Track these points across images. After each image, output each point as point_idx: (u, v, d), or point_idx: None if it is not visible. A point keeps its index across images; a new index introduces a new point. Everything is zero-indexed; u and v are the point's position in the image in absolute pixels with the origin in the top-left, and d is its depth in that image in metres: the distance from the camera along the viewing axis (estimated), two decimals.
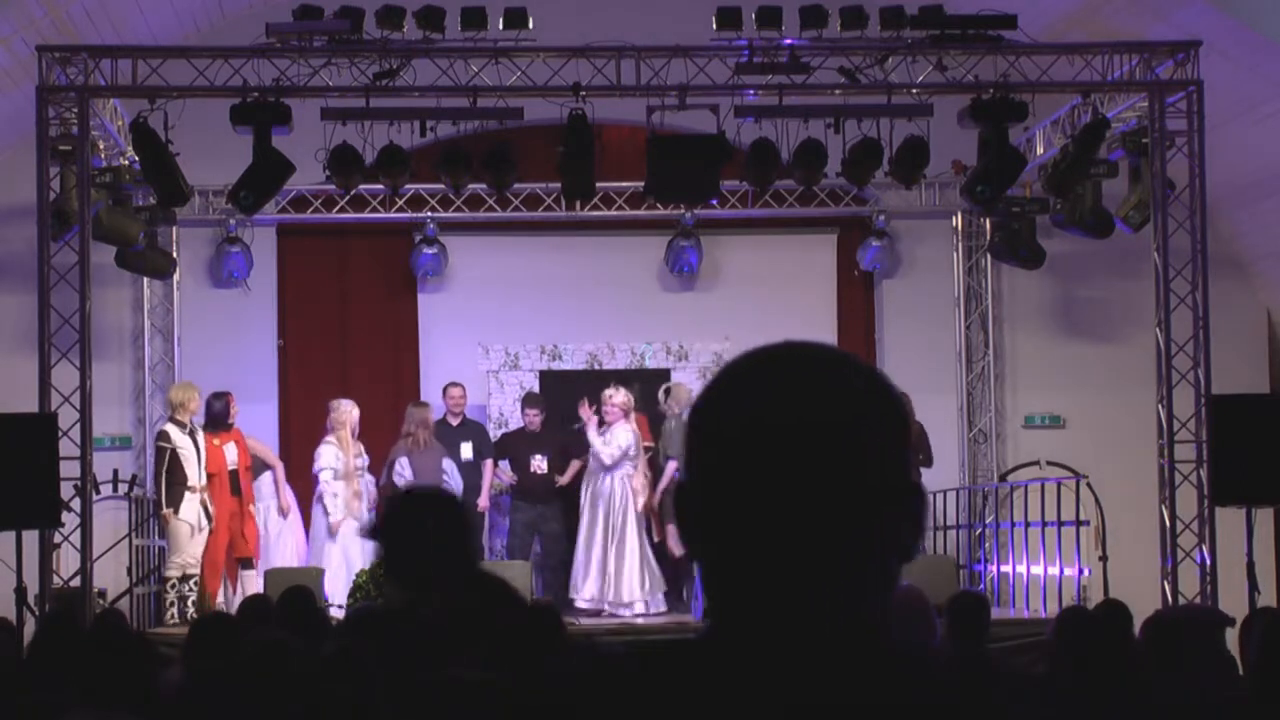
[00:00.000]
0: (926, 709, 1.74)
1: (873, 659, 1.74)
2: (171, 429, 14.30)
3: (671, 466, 14.78)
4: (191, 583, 14.07)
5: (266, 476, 15.26)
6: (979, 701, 1.78)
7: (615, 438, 14.54)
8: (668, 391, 15.49)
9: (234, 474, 14.54)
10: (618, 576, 14.47)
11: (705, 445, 1.79)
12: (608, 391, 14.79)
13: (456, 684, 4.44)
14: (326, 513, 14.60)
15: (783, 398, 1.75)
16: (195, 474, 14.15)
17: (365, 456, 14.91)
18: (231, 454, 14.57)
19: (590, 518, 14.60)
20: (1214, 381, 13.52)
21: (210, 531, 14.21)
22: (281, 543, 15.17)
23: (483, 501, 15.22)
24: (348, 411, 14.87)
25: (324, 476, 14.69)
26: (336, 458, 14.69)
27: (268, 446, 15.60)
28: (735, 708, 1.72)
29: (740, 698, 1.72)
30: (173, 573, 14.12)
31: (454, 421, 15.46)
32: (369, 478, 14.95)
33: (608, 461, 14.55)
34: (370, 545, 14.57)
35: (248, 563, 14.56)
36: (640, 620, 14.34)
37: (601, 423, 14.69)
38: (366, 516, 14.73)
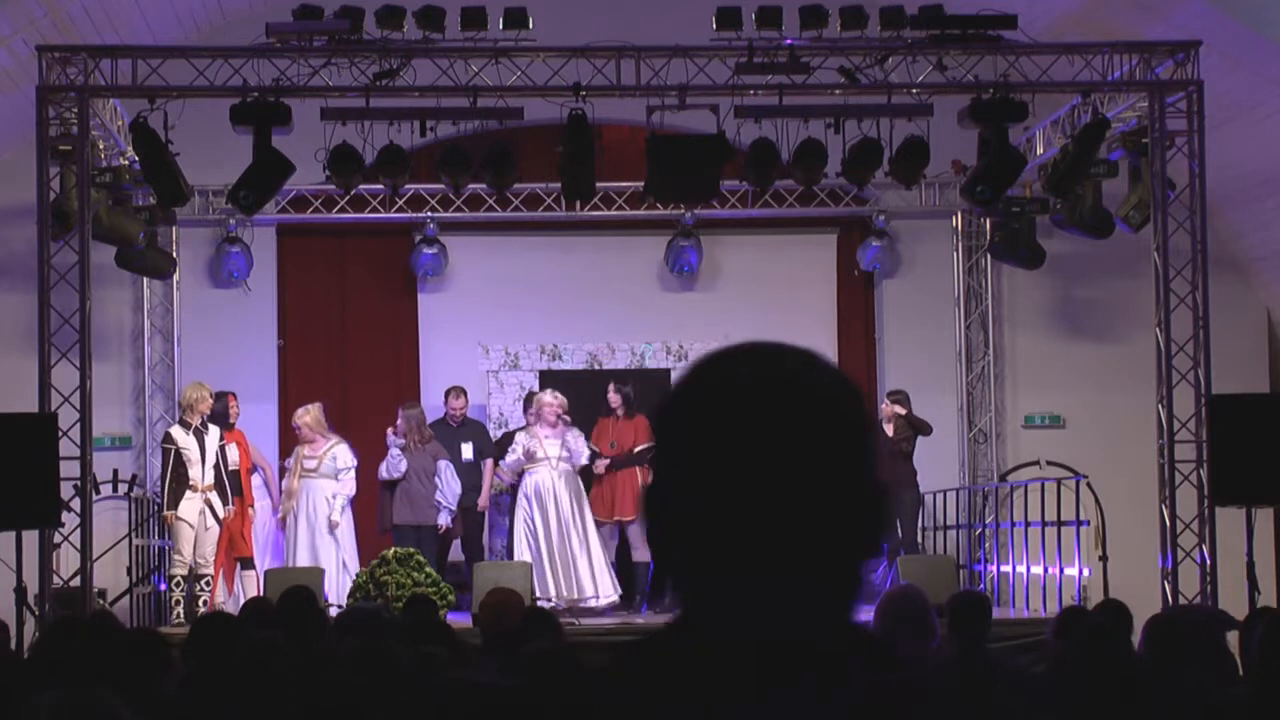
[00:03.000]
0: (897, 707, 1.74)
1: (842, 657, 1.75)
2: (176, 430, 14.32)
3: None
4: (204, 582, 14.08)
5: (255, 478, 15.29)
6: (946, 699, 1.78)
7: (573, 440, 14.73)
8: None
9: (234, 474, 14.55)
10: (578, 572, 14.53)
11: (672, 445, 1.80)
12: (544, 396, 14.96)
13: (458, 687, 4.43)
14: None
15: (749, 396, 1.76)
16: (199, 474, 14.16)
17: (319, 459, 14.80)
18: (233, 454, 14.58)
19: (541, 517, 14.62)
20: (1214, 381, 13.52)
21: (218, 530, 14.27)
22: (268, 543, 15.23)
23: (483, 501, 15.26)
24: (299, 416, 14.87)
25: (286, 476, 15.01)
26: (294, 457, 14.92)
27: (256, 448, 15.59)
28: (707, 708, 1.72)
29: (712, 699, 1.73)
30: (176, 571, 14.14)
31: (454, 422, 15.48)
32: (343, 480, 14.91)
33: (585, 461, 14.77)
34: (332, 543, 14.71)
35: (248, 562, 14.57)
36: (641, 620, 14.35)
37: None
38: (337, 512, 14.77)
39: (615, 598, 14.58)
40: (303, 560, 14.38)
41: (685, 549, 1.77)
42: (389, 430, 14.92)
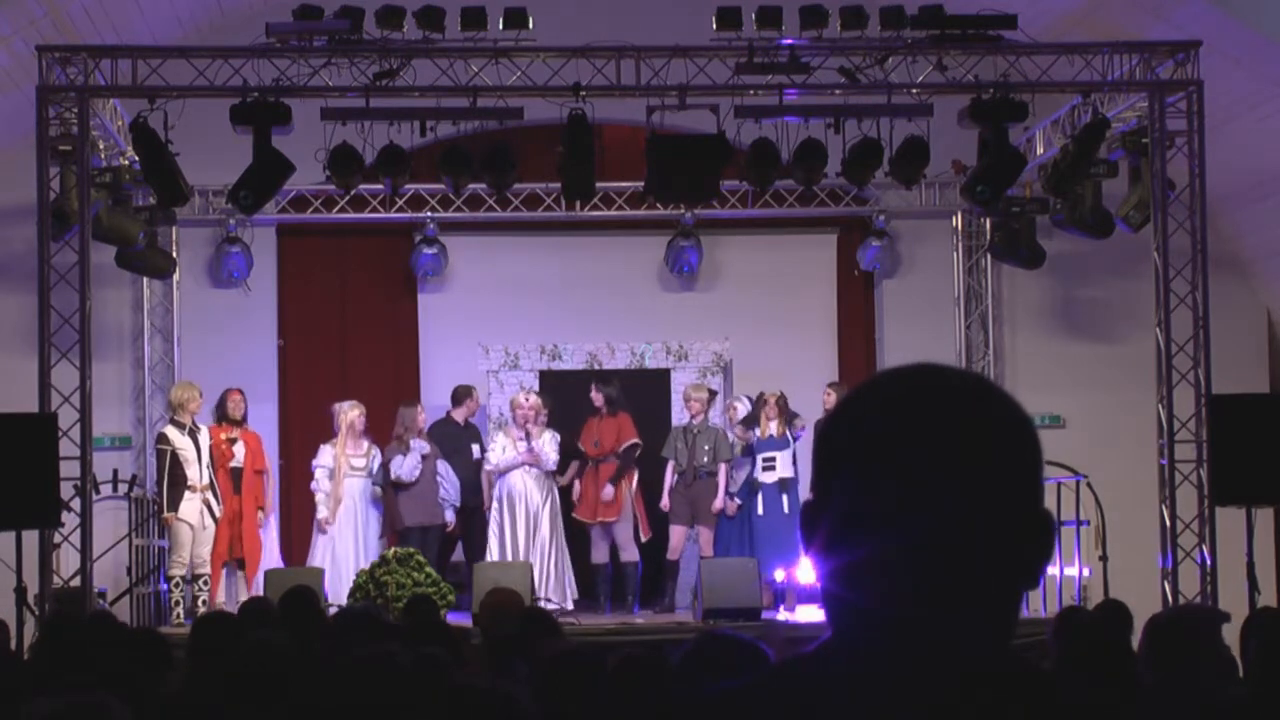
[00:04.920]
0: None
1: (998, 682, 1.72)
2: (170, 430, 14.32)
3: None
4: (201, 582, 14.09)
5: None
6: None
7: (546, 441, 14.76)
8: (713, 395, 15.51)
9: (238, 472, 14.55)
10: (545, 575, 14.59)
11: (837, 462, 1.77)
12: (516, 397, 14.98)
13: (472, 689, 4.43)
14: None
15: (923, 419, 1.73)
16: (196, 474, 14.16)
17: (368, 459, 14.93)
18: (239, 452, 14.58)
19: (510, 518, 14.66)
20: (1214, 381, 13.52)
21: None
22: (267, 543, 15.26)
23: (488, 500, 15.26)
24: (346, 412, 14.93)
25: (317, 475, 14.90)
26: (332, 457, 14.80)
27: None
28: None
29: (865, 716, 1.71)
30: (175, 572, 14.15)
31: (461, 422, 15.50)
32: (366, 480, 14.97)
33: (553, 467, 14.84)
34: (364, 544, 14.71)
35: (242, 563, 14.57)
36: (640, 620, 14.36)
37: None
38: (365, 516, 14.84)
39: (569, 604, 14.63)
40: (347, 563, 14.40)
41: (845, 571, 1.74)
42: (414, 436, 14.93)
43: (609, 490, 14.87)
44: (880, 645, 1.72)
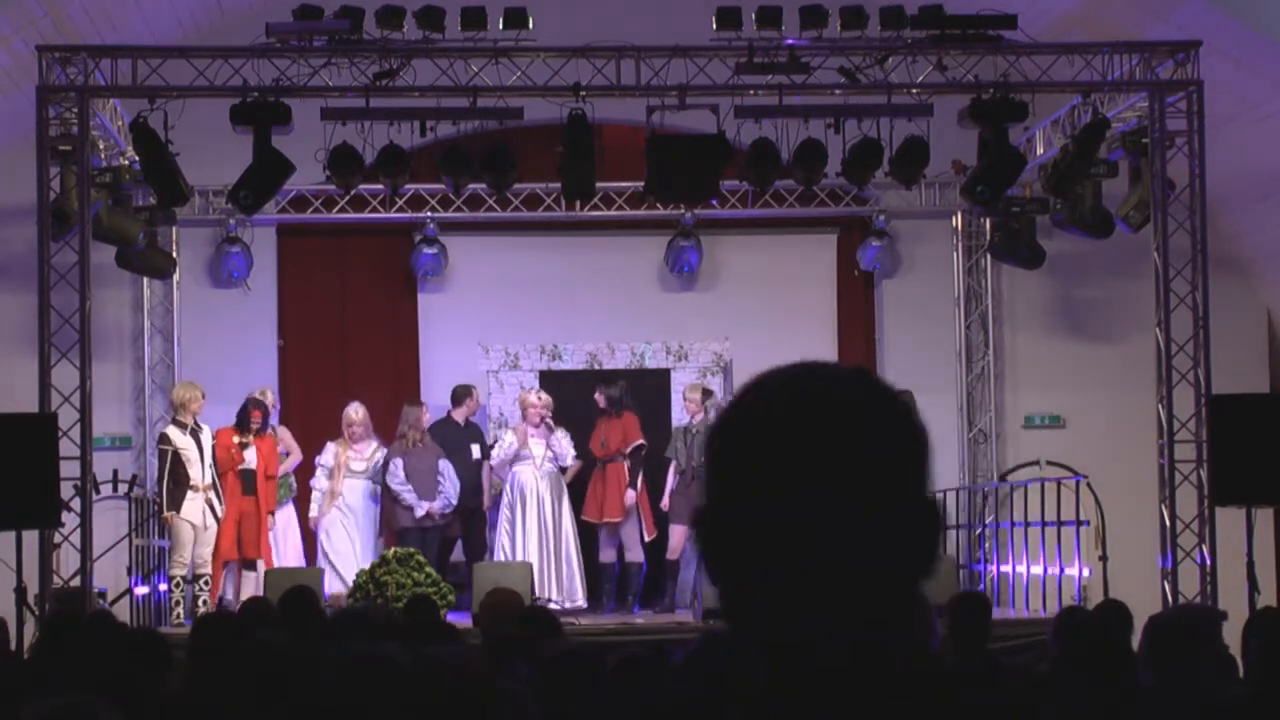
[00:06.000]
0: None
1: (889, 673, 1.73)
2: (172, 430, 14.32)
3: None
4: (202, 582, 14.09)
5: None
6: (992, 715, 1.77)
7: (557, 442, 14.84)
8: (707, 394, 15.49)
9: (251, 474, 14.54)
10: (558, 574, 14.59)
11: (725, 462, 1.78)
12: (529, 396, 14.98)
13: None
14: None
15: (804, 414, 1.74)
16: (199, 474, 14.16)
17: (369, 463, 14.93)
18: (251, 456, 14.57)
19: (521, 516, 14.67)
20: (1214, 381, 13.52)
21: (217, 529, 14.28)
22: (287, 540, 15.27)
23: (486, 501, 15.27)
24: (350, 414, 14.97)
25: (317, 472, 15.04)
26: (333, 456, 14.83)
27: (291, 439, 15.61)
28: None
29: (759, 712, 1.71)
30: (176, 572, 14.15)
31: (461, 422, 15.49)
32: (367, 482, 14.98)
33: (570, 462, 14.90)
34: (361, 542, 14.71)
35: (251, 564, 14.57)
36: (640, 620, 14.37)
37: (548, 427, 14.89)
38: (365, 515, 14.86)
39: (581, 603, 14.64)
40: (346, 562, 14.43)
41: (736, 564, 1.75)
42: (420, 440, 14.98)
43: (631, 495, 14.91)
44: (772, 635, 1.73)
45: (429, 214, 16.63)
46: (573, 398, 15.54)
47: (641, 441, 15.09)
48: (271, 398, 15.31)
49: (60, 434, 12.34)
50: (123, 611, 13.59)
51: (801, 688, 1.71)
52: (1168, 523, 13.47)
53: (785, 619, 1.72)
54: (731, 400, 1.81)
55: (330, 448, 14.98)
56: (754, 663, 1.74)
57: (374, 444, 15.01)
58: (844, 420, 1.75)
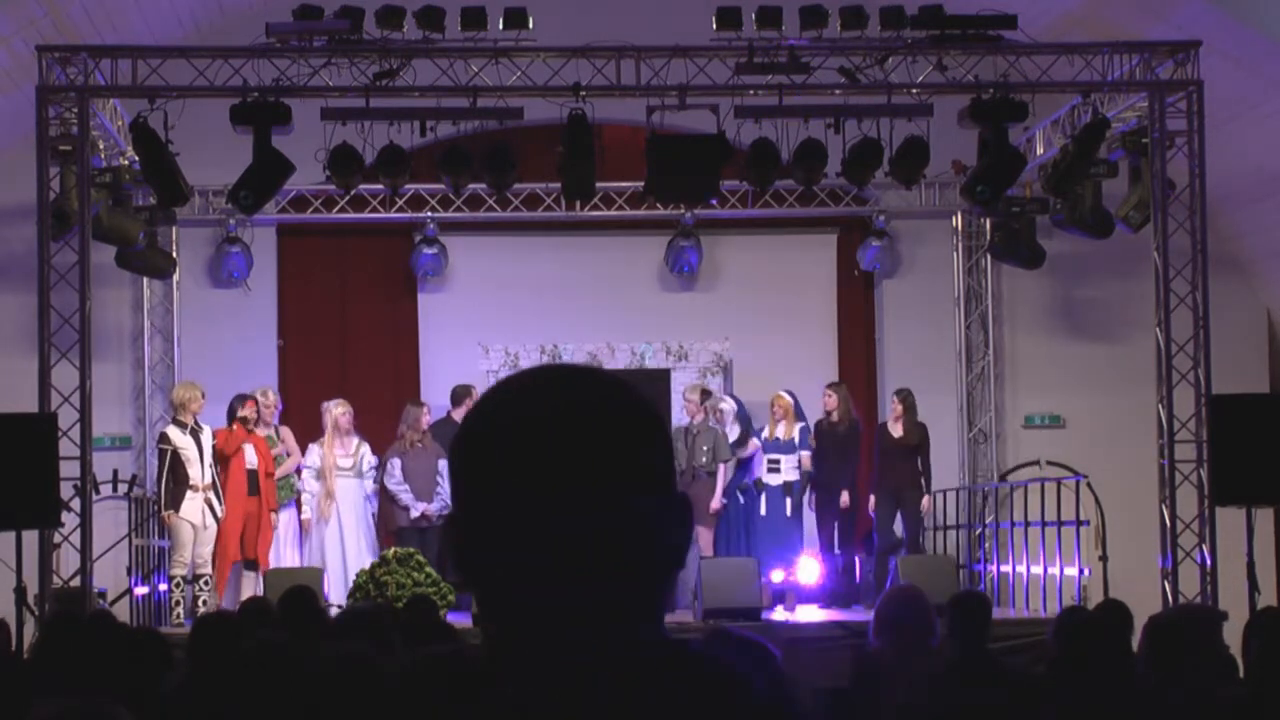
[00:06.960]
0: (693, 711, 1.74)
1: (644, 665, 1.75)
2: (172, 430, 14.31)
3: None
4: (202, 582, 14.08)
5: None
6: (739, 702, 1.76)
7: None
8: (706, 394, 15.49)
9: (253, 474, 14.54)
10: None
11: (468, 471, 1.78)
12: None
13: None
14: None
15: (537, 412, 1.75)
16: (199, 473, 14.15)
17: (354, 458, 14.88)
18: (250, 455, 14.56)
19: None
20: (1214, 381, 13.52)
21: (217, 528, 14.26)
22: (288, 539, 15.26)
23: None
24: (330, 411, 14.91)
25: (304, 475, 14.98)
26: (319, 457, 14.85)
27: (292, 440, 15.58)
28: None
29: (520, 714, 1.72)
30: (176, 571, 14.15)
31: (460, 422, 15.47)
32: (364, 480, 14.96)
33: None
34: (361, 543, 14.70)
35: (252, 564, 14.57)
36: None
37: None
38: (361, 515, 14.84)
39: None
40: (343, 562, 14.44)
41: (484, 569, 1.77)
42: (389, 452, 14.99)
43: None
44: (526, 634, 1.75)
45: (429, 214, 16.63)
46: None
47: None
48: (272, 398, 15.28)
49: (60, 434, 12.34)
50: (123, 611, 13.58)
51: (558, 682, 1.72)
52: (1168, 523, 13.47)
53: (542, 618, 1.73)
54: (472, 408, 1.82)
55: (314, 450, 14.93)
56: (513, 661, 1.75)
57: (356, 439, 14.96)
58: (597, 424, 1.75)
